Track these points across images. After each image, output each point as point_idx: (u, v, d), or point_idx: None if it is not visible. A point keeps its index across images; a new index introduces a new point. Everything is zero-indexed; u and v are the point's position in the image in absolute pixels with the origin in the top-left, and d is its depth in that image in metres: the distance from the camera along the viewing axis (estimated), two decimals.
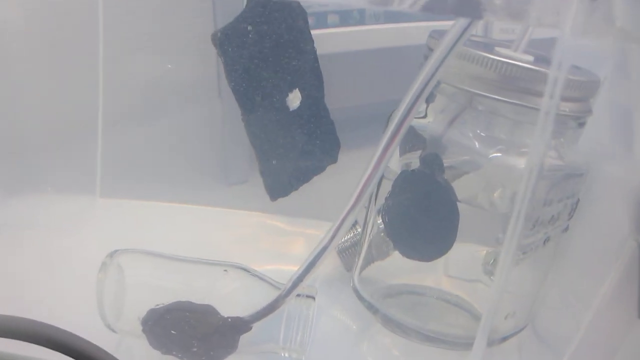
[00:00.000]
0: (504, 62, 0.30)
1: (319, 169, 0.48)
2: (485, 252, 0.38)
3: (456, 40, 0.23)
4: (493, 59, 0.30)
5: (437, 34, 0.33)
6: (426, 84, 0.25)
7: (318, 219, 0.52)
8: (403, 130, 0.26)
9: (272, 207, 0.47)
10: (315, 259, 0.29)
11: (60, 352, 0.21)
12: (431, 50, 0.33)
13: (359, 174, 0.52)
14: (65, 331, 0.22)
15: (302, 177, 0.47)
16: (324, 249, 0.29)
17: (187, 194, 0.52)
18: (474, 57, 0.30)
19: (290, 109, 0.45)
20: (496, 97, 0.30)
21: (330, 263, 0.44)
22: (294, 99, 0.45)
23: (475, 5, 0.21)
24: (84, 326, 0.30)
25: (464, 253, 0.37)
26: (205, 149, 0.55)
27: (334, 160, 0.49)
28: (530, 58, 0.31)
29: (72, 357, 0.21)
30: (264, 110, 0.43)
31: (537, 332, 0.38)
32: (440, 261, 0.36)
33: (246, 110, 0.43)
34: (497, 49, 0.32)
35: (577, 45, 0.16)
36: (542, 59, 0.32)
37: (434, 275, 0.40)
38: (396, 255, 0.39)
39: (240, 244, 0.49)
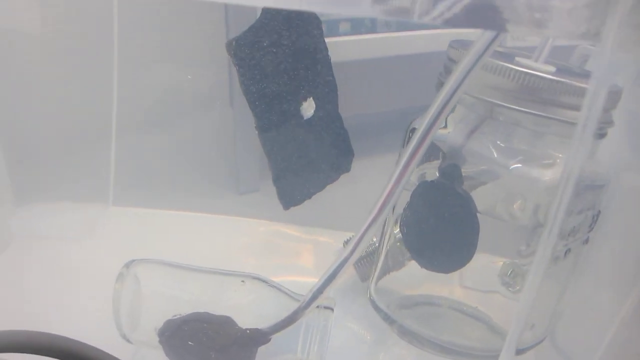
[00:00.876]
0: (527, 73, 0.29)
1: (332, 178, 0.48)
2: (502, 263, 0.38)
3: (482, 53, 0.23)
4: (516, 70, 0.30)
5: (458, 44, 0.33)
6: (450, 98, 0.24)
7: (330, 228, 0.52)
8: (426, 144, 0.25)
9: (284, 216, 0.47)
10: (336, 271, 0.29)
11: None
12: (452, 60, 0.33)
13: (371, 182, 0.52)
14: (83, 343, 0.21)
15: (315, 186, 0.47)
16: (345, 260, 0.28)
17: (199, 203, 0.52)
18: (495, 68, 0.30)
19: (304, 118, 0.44)
20: (518, 108, 0.30)
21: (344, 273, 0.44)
22: (308, 108, 0.45)
23: (498, 17, 0.21)
24: (98, 336, 0.30)
25: (479, 264, 0.36)
26: (217, 158, 0.55)
27: (347, 169, 0.49)
28: (552, 69, 0.31)
29: None
30: (278, 118, 0.43)
31: (555, 344, 0.38)
32: (456, 272, 0.36)
33: (260, 119, 0.42)
34: (517, 59, 0.32)
35: (617, 60, 0.16)
36: (564, 70, 0.32)
37: (449, 286, 0.40)
38: (412, 265, 0.39)
39: (252, 253, 0.49)
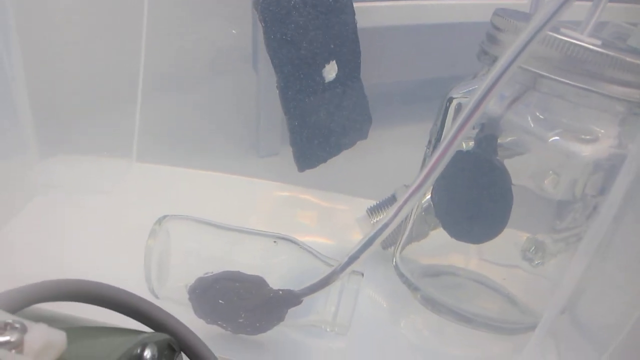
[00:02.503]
0: (574, 44, 0.29)
1: (348, 144, 0.48)
2: (525, 238, 0.38)
3: (545, 23, 0.23)
4: (563, 41, 0.29)
5: (503, 12, 0.32)
6: (507, 67, 0.24)
7: (347, 194, 0.52)
8: (480, 111, 0.25)
9: (302, 180, 0.47)
10: (373, 238, 0.29)
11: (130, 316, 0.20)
12: (497, 28, 0.32)
13: (388, 151, 0.52)
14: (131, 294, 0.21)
15: (331, 150, 0.47)
16: (384, 227, 0.28)
17: (219, 163, 0.52)
18: (542, 38, 0.29)
19: (326, 81, 0.44)
20: (563, 80, 0.29)
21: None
22: (330, 71, 0.44)
23: None
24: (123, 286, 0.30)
25: (500, 238, 0.36)
26: (239, 120, 0.55)
27: (364, 136, 0.49)
28: (598, 42, 0.30)
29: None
30: (300, 79, 0.42)
31: (575, 319, 0.38)
32: (477, 245, 0.36)
33: (282, 78, 0.42)
34: (563, 30, 0.31)
35: None
36: (609, 44, 0.31)
37: (470, 258, 0.40)
38: (434, 236, 0.39)
39: (268, 214, 0.49)
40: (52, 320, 0.17)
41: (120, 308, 0.19)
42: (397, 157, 0.51)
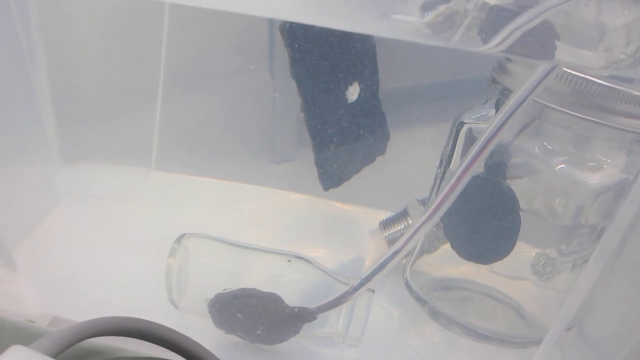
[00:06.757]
0: (580, 77, 0.30)
1: (369, 160, 0.49)
2: (534, 253, 0.39)
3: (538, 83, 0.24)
4: (569, 74, 0.30)
5: None
6: (521, 103, 0.25)
7: (363, 204, 0.53)
8: (491, 146, 0.26)
9: (317, 190, 0.48)
10: (386, 261, 0.30)
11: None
12: (507, 58, 0.33)
13: (403, 159, 0.53)
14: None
15: (353, 168, 0.48)
16: (396, 252, 0.30)
17: (236, 171, 0.53)
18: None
19: (349, 102, 0.45)
20: (569, 112, 0.30)
21: (377, 251, 0.45)
22: (353, 92, 0.45)
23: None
24: (144, 297, 0.32)
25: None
26: (255, 126, 0.55)
27: (382, 151, 0.50)
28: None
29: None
30: (325, 102, 0.43)
31: (583, 334, 0.39)
32: None
33: (307, 101, 0.43)
34: None
35: None
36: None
37: (480, 271, 0.41)
38: (444, 249, 0.40)
39: (287, 225, 0.50)
40: (90, 352, 0.19)
41: (151, 339, 0.20)
42: (413, 169, 0.52)
